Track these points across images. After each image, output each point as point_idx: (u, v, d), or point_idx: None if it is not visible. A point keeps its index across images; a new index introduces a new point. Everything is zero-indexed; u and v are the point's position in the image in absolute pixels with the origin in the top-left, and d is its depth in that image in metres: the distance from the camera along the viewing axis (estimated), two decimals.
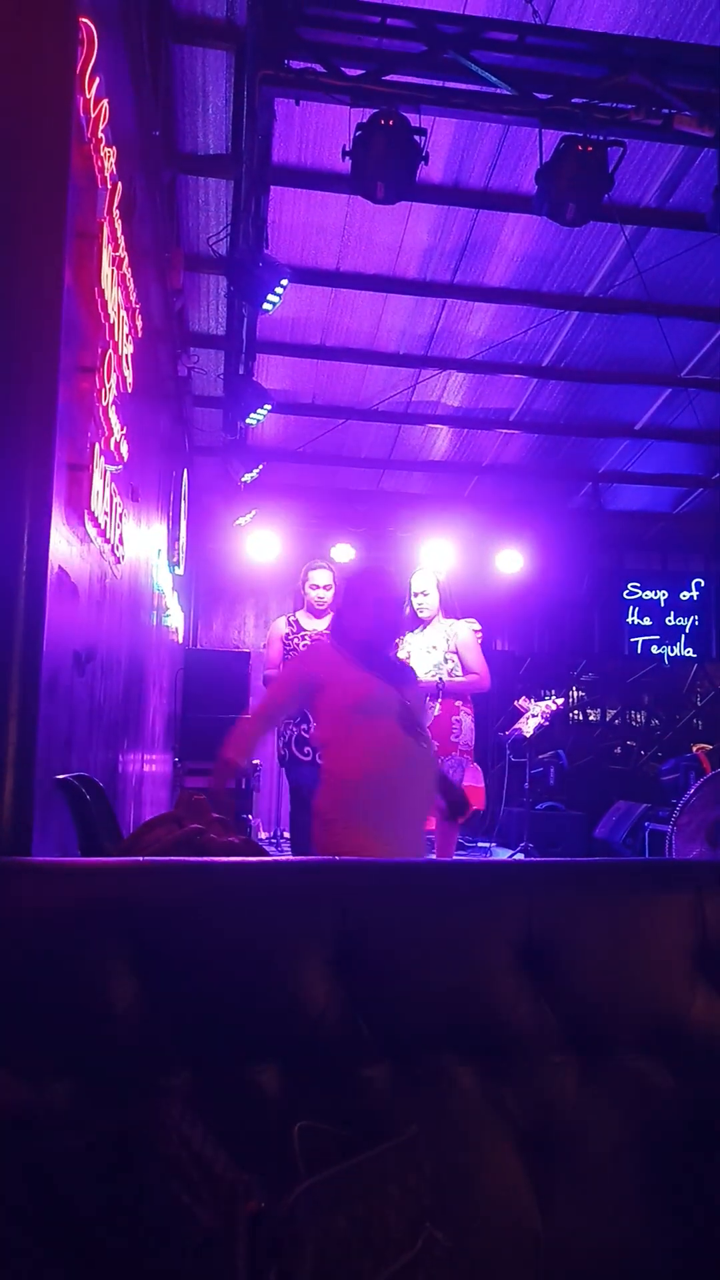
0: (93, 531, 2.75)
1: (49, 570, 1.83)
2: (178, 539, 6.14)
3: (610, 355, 6.69)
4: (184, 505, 6.46)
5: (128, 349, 3.13)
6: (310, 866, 1.51)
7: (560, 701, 7.15)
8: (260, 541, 8.31)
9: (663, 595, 9.24)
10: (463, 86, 3.66)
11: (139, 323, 3.43)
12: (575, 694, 7.69)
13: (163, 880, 1.39)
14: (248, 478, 6.37)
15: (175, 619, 6.65)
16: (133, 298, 3.22)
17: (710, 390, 6.98)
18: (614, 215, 4.99)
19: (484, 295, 5.92)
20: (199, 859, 1.59)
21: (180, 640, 7.46)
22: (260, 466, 6.52)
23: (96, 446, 2.63)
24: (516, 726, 6.69)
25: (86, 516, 2.61)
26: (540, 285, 5.90)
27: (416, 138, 3.49)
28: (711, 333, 6.40)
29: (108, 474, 2.84)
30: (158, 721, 5.97)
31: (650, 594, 9.26)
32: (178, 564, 6.18)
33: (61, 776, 2.17)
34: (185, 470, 6.84)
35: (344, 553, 8.57)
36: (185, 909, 1.32)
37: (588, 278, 5.84)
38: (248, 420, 5.49)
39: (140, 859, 1.61)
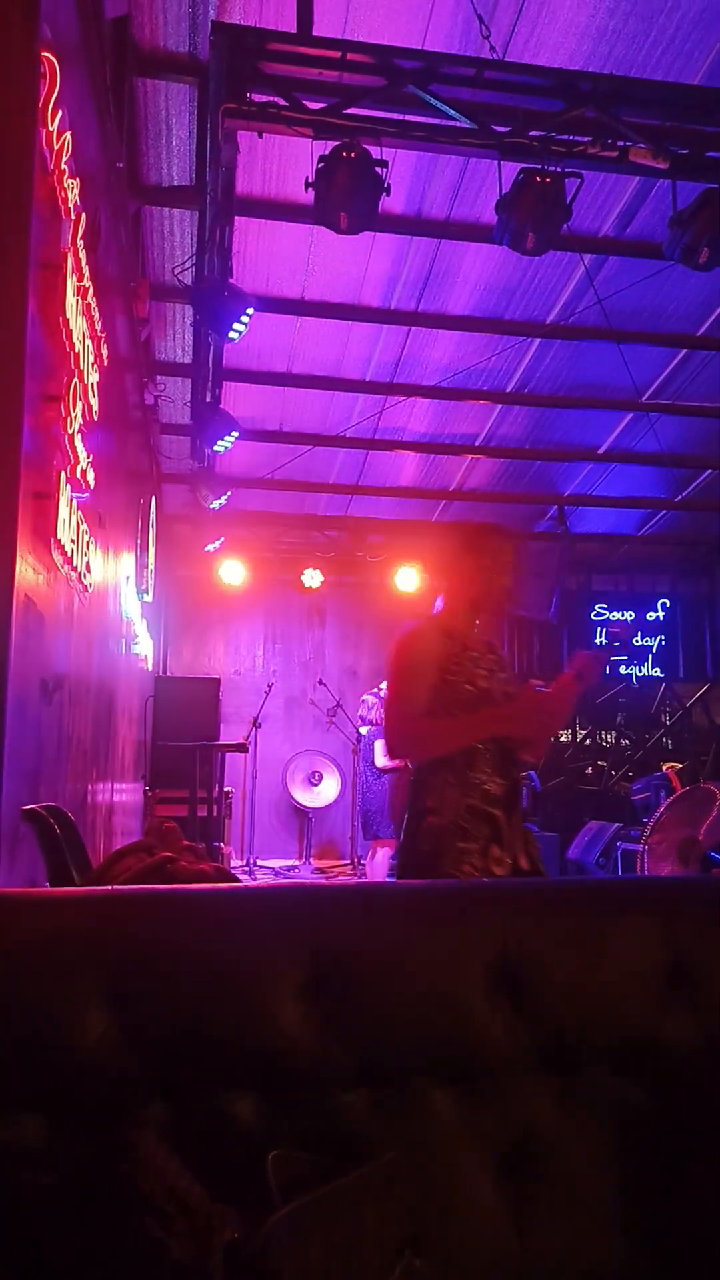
0: (59, 560, 2.74)
1: (15, 599, 1.82)
2: (146, 566, 6.12)
3: (572, 381, 6.80)
4: (152, 533, 6.45)
5: (94, 378, 3.13)
6: (280, 892, 1.50)
7: None
8: (229, 568, 8.32)
9: (629, 616, 9.35)
10: (423, 120, 3.73)
11: (105, 352, 3.44)
12: None
13: (132, 909, 1.37)
14: (216, 504, 6.38)
15: (145, 646, 6.62)
16: (98, 327, 3.23)
17: (671, 414, 7.11)
18: (573, 245, 5.09)
19: (447, 323, 6.00)
20: (169, 887, 1.58)
21: (150, 668, 7.42)
22: (229, 493, 6.53)
23: (63, 475, 2.62)
24: None
25: (53, 545, 2.60)
26: (503, 313, 5.99)
27: (378, 169, 3.54)
28: (671, 358, 6.52)
29: (74, 502, 2.84)
30: (128, 750, 5.92)
31: (617, 615, 9.36)
32: (146, 591, 6.16)
33: (29, 807, 2.15)
34: (153, 498, 6.84)
35: (313, 578, 8.60)
36: (156, 938, 1.30)
37: (549, 305, 5.94)
38: (215, 448, 5.50)
39: (110, 889, 1.59)
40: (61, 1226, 0.93)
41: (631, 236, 5.34)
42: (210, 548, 8.05)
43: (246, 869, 7.73)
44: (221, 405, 5.82)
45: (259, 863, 8.10)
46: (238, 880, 2.15)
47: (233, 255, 4.69)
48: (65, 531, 2.64)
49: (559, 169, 3.70)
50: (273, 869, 8.34)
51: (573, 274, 5.61)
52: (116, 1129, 1.05)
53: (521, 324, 6.07)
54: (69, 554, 2.81)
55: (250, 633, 9.06)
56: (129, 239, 4.46)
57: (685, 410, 7.06)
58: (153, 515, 6.51)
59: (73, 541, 2.84)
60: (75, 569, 2.96)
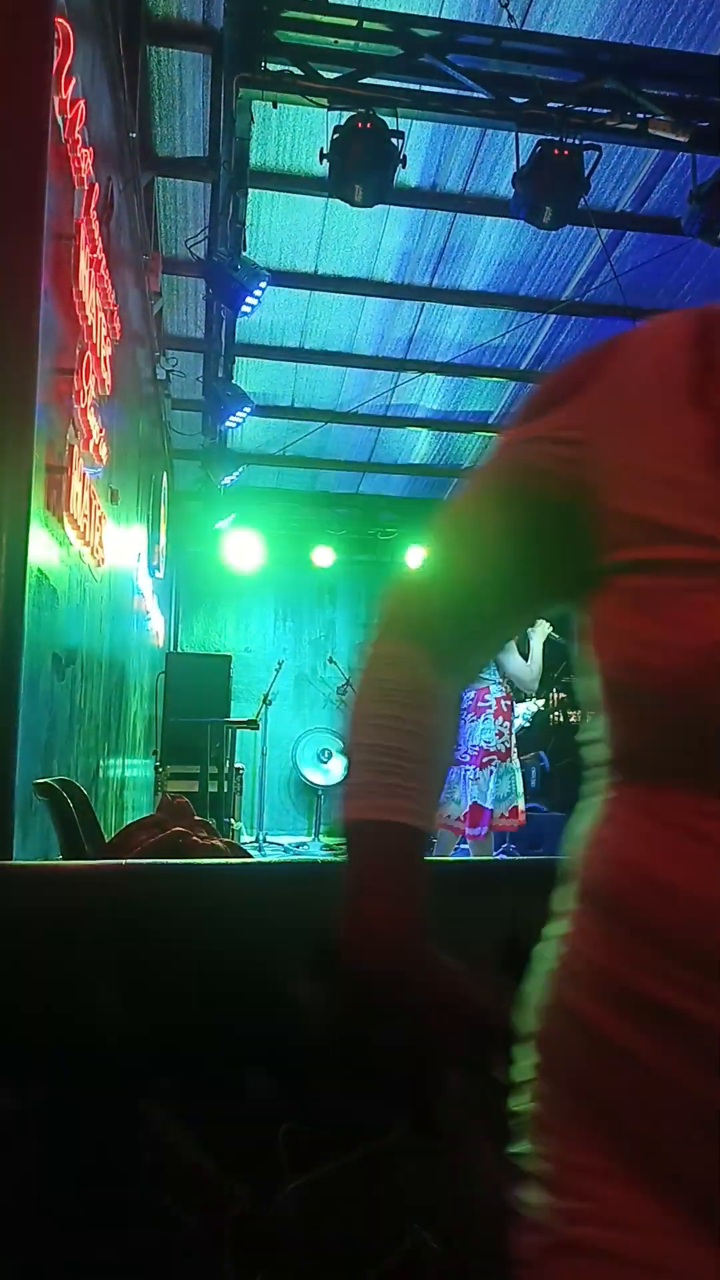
0: (72, 534, 2.74)
1: (27, 573, 1.82)
2: (158, 542, 6.12)
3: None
4: (164, 509, 6.44)
5: (106, 351, 3.12)
6: (292, 867, 1.51)
7: (540, 703, 7.18)
8: (241, 545, 8.31)
9: None
10: (440, 90, 3.67)
11: (117, 325, 3.42)
12: (555, 696, 7.70)
13: (146, 883, 1.38)
14: (227, 481, 6.36)
15: (156, 622, 6.63)
16: (111, 300, 3.21)
17: None
18: (591, 219, 5.02)
19: (462, 298, 5.94)
20: (182, 861, 1.59)
21: (161, 644, 7.44)
22: (241, 470, 6.51)
23: (75, 449, 2.62)
24: None
25: (65, 519, 2.60)
26: (518, 288, 5.92)
27: (394, 140, 3.49)
28: None
29: (87, 477, 2.83)
30: (139, 725, 5.95)
31: None
32: (158, 567, 6.16)
33: (42, 780, 2.16)
34: (165, 474, 6.82)
35: (324, 556, 8.58)
36: (169, 912, 1.31)
37: (565, 281, 5.87)
38: (227, 424, 5.48)
39: (123, 862, 1.60)
40: (73, 1198, 0.94)
41: (650, 211, 5.27)
42: (221, 525, 8.04)
43: (256, 845, 7.77)
44: (234, 381, 5.79)
45: (269, 839, 8.14)
46: (250, 856, 2.17)
47: (246, 228, 4.65)
48: (77, 506, 2.64)
49: (577, 141, 3.64)
50: (282, 845, 8.39)
51: (589, 249, 5.54)
52: (130, 1102, 1.06)
53: (537, 300, 6.01)
54: (81, 529, 2.81)
55: (261, 610, 9.05)
56: (142, 211, 4.42)
57: None
58: (164, 491, 6.50)
59: (85, 516, 2.84)
60: (88, 544, 2.96)
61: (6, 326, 1.79)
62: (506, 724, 5.02)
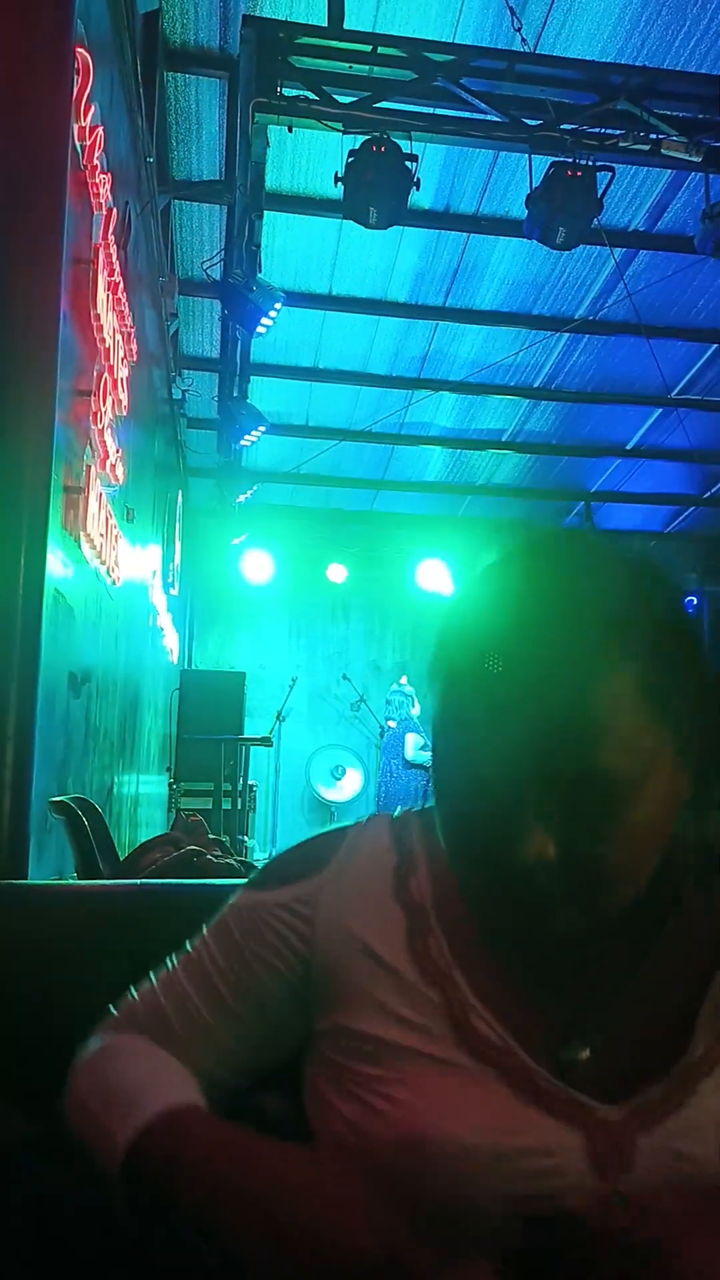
0: (89, 554, 2.76)
1: (45, 593, 1.83)
2: (173, 560, 6.16)
3: (601, 376, 6.75)
4: (179, 526, 6.48)
5: (123, 373, 3.15)
6: None
7: None
8: (255, 562, 8.34)
9: None
10: (453, 113, 3.71)
11: (134, 346, 3.46)
12: None
13: (161, 902, 1.38)
14: (242, 499, 6.40)
15: (170, 640, 6.66)
16: (128, 322, 3.25)
17: (700, 410, 7.04)
18: (604, 239, 5.05)
19: (475, 318, 5.97)
20: (198, 881, 1.59)
21: (175, 660, 7.47)
22: (255, 488, 6.54)
23: (92, 469, 2.64)
24: None
25: (83, 539, 2.62)
26: (531, 308, 5.95)
27: (408, 164, 3.53)
28: (701, 353, 6.46)
29: (104, 497, 2.86)
30: (153, 742, 5.96)
31: None
32: (173, 585, 6.19)
33: (58, 799, 2.17)
34: (180, 492, 6.87)
35: (338, 573, 8.60)
36: (184, 932, 1.31)
37: (578, 300, 5.90)
38: (242, 443, 5.51)
39: (138, 881, 1.60)
40: (92, 1225, 0.94)
41: (663, 230, 5.29)
42: (235, 542, 8.08)
43: (257, 859, 7.77)
44: (248, 400, 5.83)
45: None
46: None
47: (260, 250, 4.70)
48: (94, 525, 2.66)
49: (590, 162, 3.67)
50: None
51: (602, 269, 5.57)
52: None
53: (550, 319, 6.03)
54: (98, 548, 2.83)
55: (274, 626, 9.08)
56: (159, 233, 4.47)
57: (715, 406, 6.99)
58: (179, 509, 6.55)
59: (102, 535, 2.86)
60: (104, 562, 2.99)
61: (26, 349, 1.81)
62: None
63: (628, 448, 7.73)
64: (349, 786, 8.83)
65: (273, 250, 5.25)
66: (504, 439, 7.55)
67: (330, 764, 8.83)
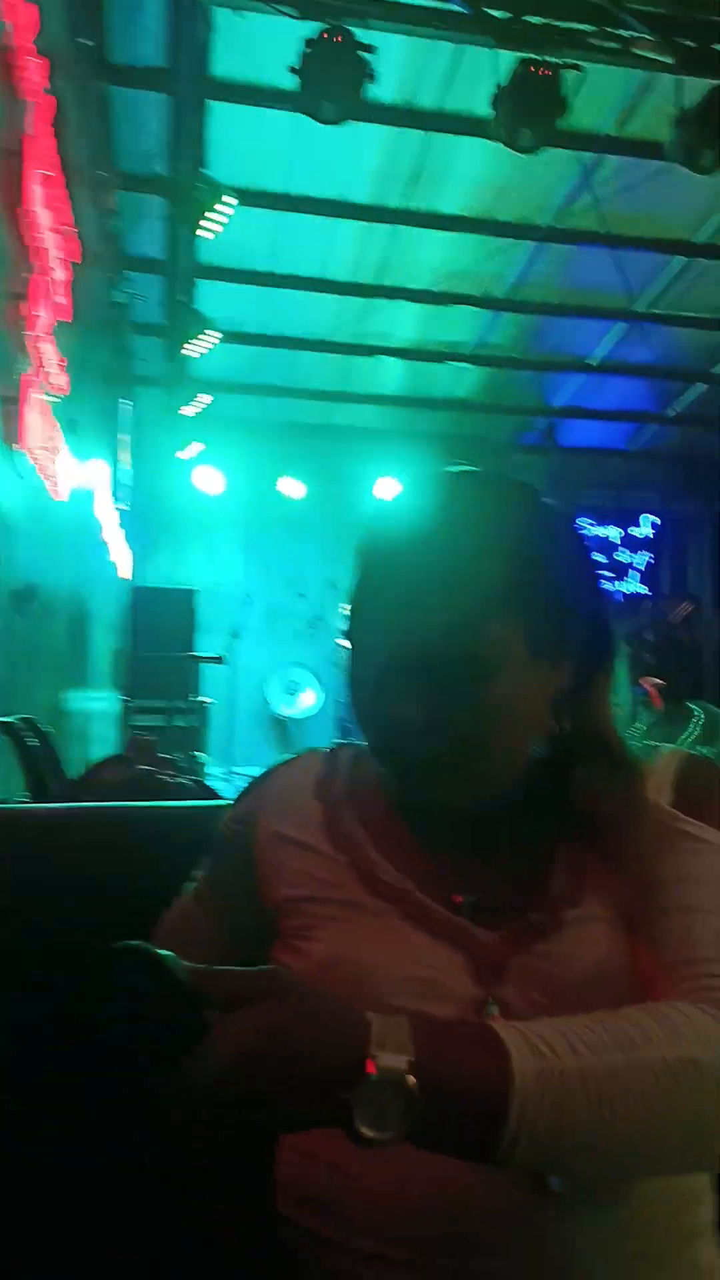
0: (30, 467, 2.66)
1: None
2: (121, 473, 6.00)
3: (566, 288, 6.59)
4: (128, 438, 6.29)
5: (61, 275, 2.99)
6: None
7: None
8: (207, 477, 8.16)
9: (615, 532, 9.30)
10: (414, 2, 3.49)
11: (75, 246, 3.28)
12: None
13: (114, 824, 1.37)
14: (190, 409, 6.21)
15: (120, 554, 6.53)
16: (68, 220, 3.07)
17: (666, 324, 6.93)
18: (571, 142, 4.85)
19: (438, 222, 5.76)
20: (148, 804, 1.56)
21: (127, 577, 7.35)
22: (204, 398, 6.35)
23: (29, 378, 2.52)
24: None
25: (22, 451, 2.52)
26: (495, 213, 5.75)
27: (365, 54, 3.33)
28: (668, 265, 6.32)
29: (45, 407, 2.74)
30: (104, 659, 5.90)
31: (602, 530, 9.30)
32: (122, 499, 6.04)
33: (2, 719, 2.13)
34: (127, 402, 6.65)
35: (294, 488, 8.44)
36: (140, 854, 1.30)
37: (544, 207, 5.70)
38: (189, 350, 5.32)
39: (91, 804, 1.56)
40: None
41: (632, 135, 5.10)
42: (185, 454, 7.87)
43: (225, 778, 7.80)
44: (197, 305, 5.61)
45: (236, 770, 8.18)
46: (217, 795, 2.16)
47: (210, 144, 4.45)
48: (35, 438, 2.55)
49: (558, 60, 3.49)
50: (250, 776, 8.44)
51: (570, 174, 5.37)
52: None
53: (515, 225, 5.84)
54: (40, 461, 2.73)
55: (228, 543, 8.94)
56: (97, 123, 4.20)
57: (681, 321, 6.88)
58: (127, 420, 6.35)
59: (44, 448, 2.76)
60: (48, 476, 2.88)
61: None
62: None
63: (592, 363, 7.60)
64: (305, 703, 8.87)
65: (224, 144, 4.97)
66: (466, 351, 7.38)
67: (286, 681, 8.84)
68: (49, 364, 2.73)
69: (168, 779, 2.10)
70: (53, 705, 4.20)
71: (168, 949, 0.92)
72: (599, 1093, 0.65)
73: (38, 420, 2.60)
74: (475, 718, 0.78)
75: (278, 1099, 0.63)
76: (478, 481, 0.87)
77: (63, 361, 2.97)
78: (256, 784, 0.98)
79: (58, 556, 3.96)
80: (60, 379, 2.94)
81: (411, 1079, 0.63)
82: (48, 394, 2.74)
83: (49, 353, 2.73)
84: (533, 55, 3.49)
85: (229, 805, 1.00)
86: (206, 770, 6.62)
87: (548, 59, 3.52)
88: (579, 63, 3.55)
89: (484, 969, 0.80)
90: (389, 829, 0.87)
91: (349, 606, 0.85)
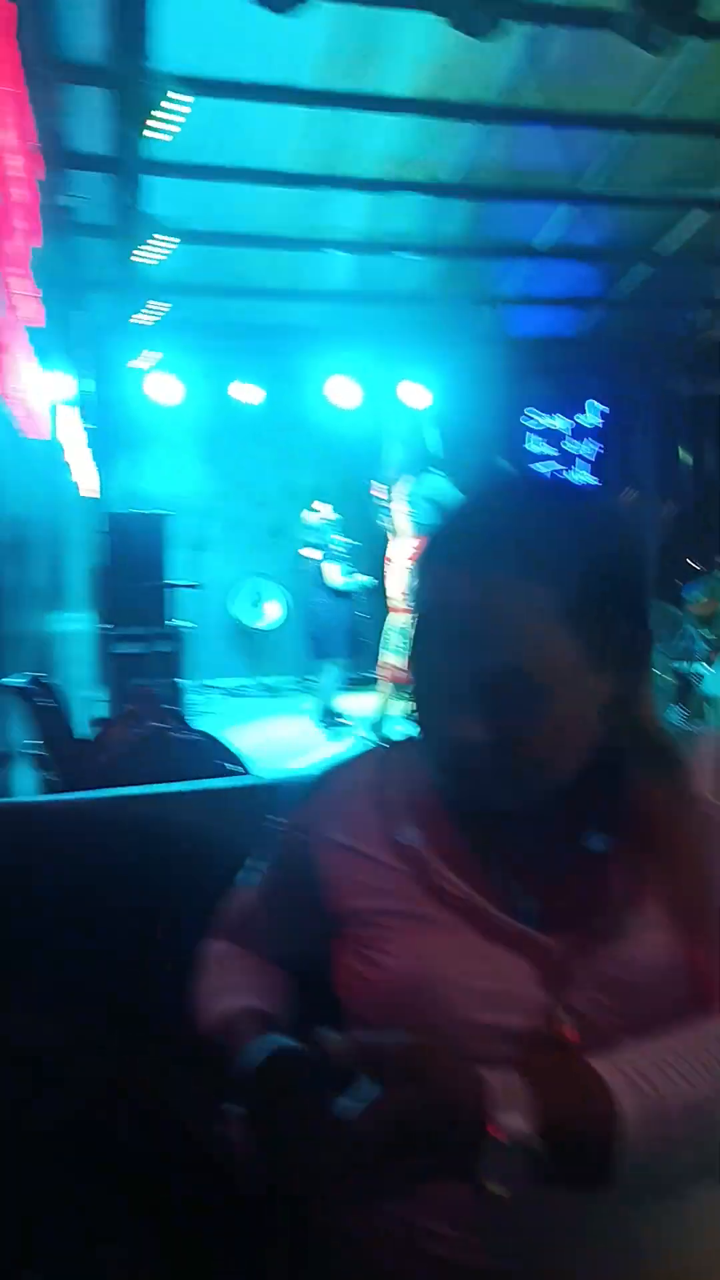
0: (12, 413, 2.60)
1: None
2: (78, 385, 5.82)
3: (513, 170, 6.42)
4: (79, 349, 6.08)
5: (27, 196, 2.85)
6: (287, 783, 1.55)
7: None
8: (160, 384, 7.92)
9: (563, 422, 9.28)
10: None
11: (38, 164, 3.12)
12: None
13: (156, 808, 1.44)
14: (145, 318, 5.99)
15: (85, 472, 6.40)
16: (31, 136, 2.91)
17: (610, 204, 6.80)
18: (519, 14, 4.65)
19: (386, 105, 5.52)
20: (198, 785, 1.58)
21: (94, 494, 7.20)
22: (160, 305, 6.12)
23: (8, 320, 2.44)
24: None
25: (7, 399, 2.46)
26: (443, 93, 5.53)
27: None
28: (613, 141, 6.16)
29: (25, 344, 2.66)
30: (78, 581, 5.85)
31: (550, 420, 9.28)
32: (81, 413, 5.88)
33: (13, 683, 2.15)
34: (77, 310, 6.39)
35: (249, 393, 8.21)
36: (182, 832, 1.37)
37: (489, 85, 5.50)
38: (141, 256, 5.11)
39: (134, 790, 1.54)
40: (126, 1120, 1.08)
41: (582, 5, 4.90)
42: (137, 363, 7.63)
43: (199, 691, 7.86)
44: (144, 205, 5.35)
45: (207, 683, 8.24)
46: (225, 746, 2.21)
47: (150, 32, 4.18)
48: (16, 380, 2.49)
49: None
50: (222, 689, 8.52)
51: (515, 50, 5.17)
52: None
53: (462, 106, 5.63)
54: (21, 401, 2.66)
55: (186, 452, 8.76)
56: (39, 16, 3.92)
57: (626, 201, 6.76)
58: (82, 330, 6.12)
59: (24, 387, 2.69)
60: (27, 415, 2.82)
61: None
62: None
63: (539, 248, 7.45)
64: (271, 614, 8.89)
65: (164, 31, 4.67)
66: (413, 242, 7.17)
67: (251, 592, 8.83)
68: (25, 297, 2.64)
69: (179, 736, 2.16)
70: (38, 632, 4.20)
71: (236, 944, 1.09)
72: (697, 1120, 0.72)
73: (18, 360, 2.53)
74: (538, 733, 0.81)
75: (414, 1160, 0.70)
76: (546, 493, 0.90)
77: (37, 292, 2.87)
78: (313, 789, 1.01)
79: (27, 486, 3.89)
80: (36, 310, 2.84)
81: (536, 1140, 0.69)
82: (32, 332, 2.66)
83: (25, 285, 2.64)
84: None
85: (255, 782, 1.07)
86: (188, 699, 6.62)
87: None
88: None
89: (551, 976, 0.83)
90: (449, 838, 0.90)
91: (415, 609, 0.85)
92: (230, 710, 7.73)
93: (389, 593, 5.66)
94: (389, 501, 5.92)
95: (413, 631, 0.86)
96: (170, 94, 4.02)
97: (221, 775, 2.09)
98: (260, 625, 8.85)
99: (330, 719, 7.00)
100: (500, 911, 0.86)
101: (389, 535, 6.07)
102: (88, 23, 4.60)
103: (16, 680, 2.34)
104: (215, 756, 2.07)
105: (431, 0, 4.56)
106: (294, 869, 0.98)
